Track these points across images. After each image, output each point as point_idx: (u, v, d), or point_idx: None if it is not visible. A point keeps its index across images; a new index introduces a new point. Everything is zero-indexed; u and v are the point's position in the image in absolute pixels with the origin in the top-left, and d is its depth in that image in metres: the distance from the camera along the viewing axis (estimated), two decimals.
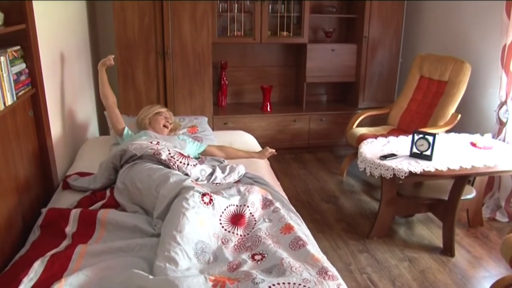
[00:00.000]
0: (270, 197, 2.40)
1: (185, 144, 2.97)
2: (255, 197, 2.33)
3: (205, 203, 2.12)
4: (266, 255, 1.89)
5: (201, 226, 2.03)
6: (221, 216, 2.15)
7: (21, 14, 2.31)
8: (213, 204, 2.14)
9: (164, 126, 3.09)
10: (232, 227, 2.14)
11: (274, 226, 2.15)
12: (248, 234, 2.12)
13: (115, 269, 1.78)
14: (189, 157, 2.65)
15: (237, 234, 2.11)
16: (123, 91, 4.16)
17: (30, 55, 2.38)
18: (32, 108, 2.50)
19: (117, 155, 2.62)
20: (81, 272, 1.73)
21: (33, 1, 2.41)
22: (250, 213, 2.23)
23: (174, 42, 4.15)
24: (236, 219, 2.19)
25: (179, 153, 2.63)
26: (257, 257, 1.90)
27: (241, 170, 2.73)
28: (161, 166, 2.49)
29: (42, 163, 2.65)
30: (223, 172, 2.66)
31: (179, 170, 2.49)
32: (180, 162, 2.53)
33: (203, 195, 2.15)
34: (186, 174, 2.48)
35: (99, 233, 2.12)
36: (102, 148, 3.21)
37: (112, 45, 4.21)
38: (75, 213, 2.19)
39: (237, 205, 2.24)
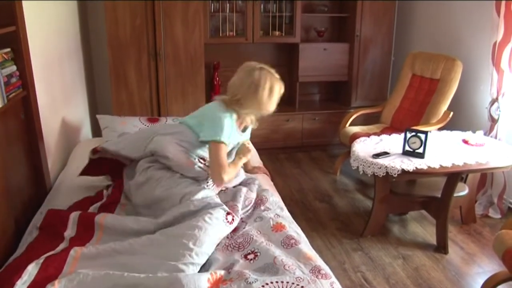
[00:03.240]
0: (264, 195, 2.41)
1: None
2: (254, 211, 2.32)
3: (228, 221, 2.06)
4: (258, 254, 1.89)
5: (216, 243, 2.01)
6: None
7: (11, 15, 2.29)
8: (233, 224, 2.11)
9: None
10: None
11: (265, 224, 2.14)
12: (237, 234, 2.11)
13: (110, 270, 1.77)
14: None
15: (227, 237, 2.09)
16: (115, 92, 4.15)
17: (20, 57, 2.36)
18: (24, 111, 2.48)
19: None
20: (75, 274, 1.73)
21: (23, 2, 2.40)
22: (241, 219, 2.23)
23: (166, 42, 4.14)
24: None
25: None
26: (249, 257, 1.89)
27: (241, 174, 2.65)
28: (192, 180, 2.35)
29: (34, 165, 2.63)
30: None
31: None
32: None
33: (228, 213, 2.09)
34: None
35: (98, 237, 2.10)
36: None
37: (104, 46, 4.20)
38: (74, 216, 2.16)
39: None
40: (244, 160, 2.49)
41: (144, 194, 2.31)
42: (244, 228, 2.14)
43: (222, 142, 2.27)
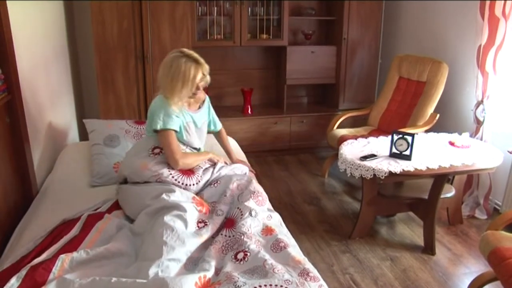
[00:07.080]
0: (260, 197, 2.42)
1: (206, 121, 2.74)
2: (249, 203, 2.31)
3: (199, 228, 2.10)
4: (248, 254, 1.89)
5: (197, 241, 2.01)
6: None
7: None
8: (209, 225, 2.12)
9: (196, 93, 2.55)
10: (222, 230, 2.14)
11: (256, 226, 2.15)
12: (234, 232, 2.12)
13: (98, 275, 1.75)
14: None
15: (225, 235, 2.10)
16: (102, 95, 4.12)
17: (5, 60, 2.34)
18: (9, 115, 2.46)
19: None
20: (62, 279, 1.70)
21: (7, 3, 2.37)
22: (240, 212, 2.24)
23: (154, 45, 4.12)
24: (227, 224, 2.18)
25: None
26: (239, 256, 1.89)
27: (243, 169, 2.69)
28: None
29: (20, 170, 2.60)
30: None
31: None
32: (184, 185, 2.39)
33: (199, 222, 2.12)
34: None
35: (90, 239, 2.07)
36: (82, 153, 3.16)
37: (91, 49, 4.17)
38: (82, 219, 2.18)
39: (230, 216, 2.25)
40: (208, 156, 2.55)
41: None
42: (238, 223, 2.15)
43: (169, 129, 2.36)
